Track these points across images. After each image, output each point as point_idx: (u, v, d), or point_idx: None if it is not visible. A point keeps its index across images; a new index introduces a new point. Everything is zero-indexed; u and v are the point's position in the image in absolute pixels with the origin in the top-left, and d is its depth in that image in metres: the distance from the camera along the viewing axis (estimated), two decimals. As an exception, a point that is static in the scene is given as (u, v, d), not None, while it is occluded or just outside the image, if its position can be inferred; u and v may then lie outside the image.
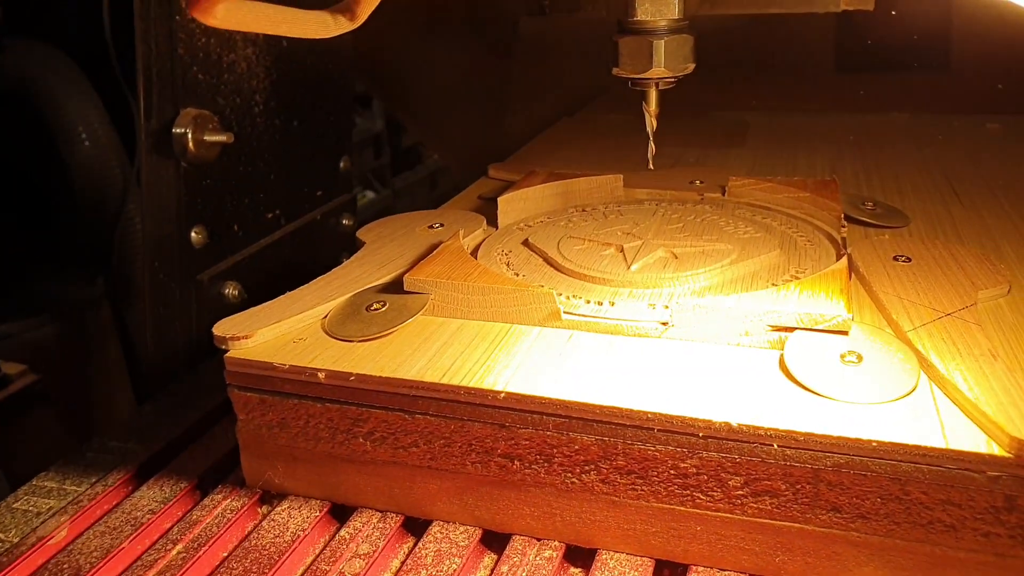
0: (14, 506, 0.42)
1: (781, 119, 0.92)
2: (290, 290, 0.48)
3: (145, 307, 0.59)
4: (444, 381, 0.38)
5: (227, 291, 0.63)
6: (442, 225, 0.57)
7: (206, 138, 0.59)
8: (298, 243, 0.73)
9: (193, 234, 0.60)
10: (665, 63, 0.44)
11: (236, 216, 0.65)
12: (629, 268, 0.47)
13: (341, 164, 0.80)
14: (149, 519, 0.41)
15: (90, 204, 1.20)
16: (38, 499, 0.42)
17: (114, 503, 0.43)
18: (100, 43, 1.10)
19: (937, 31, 1.11)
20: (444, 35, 1.09)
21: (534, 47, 1.13)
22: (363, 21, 0.33)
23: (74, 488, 0.43)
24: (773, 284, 0.45)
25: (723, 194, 0.60)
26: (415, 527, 0.41)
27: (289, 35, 0.32)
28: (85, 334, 1.28)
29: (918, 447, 0.33)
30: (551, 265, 0.50)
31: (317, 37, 0.32)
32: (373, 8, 0.32)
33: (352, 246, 0.80)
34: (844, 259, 0.45)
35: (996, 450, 0.32)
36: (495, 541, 0.40)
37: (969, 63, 1.08)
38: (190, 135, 0.58)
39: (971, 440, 0.33)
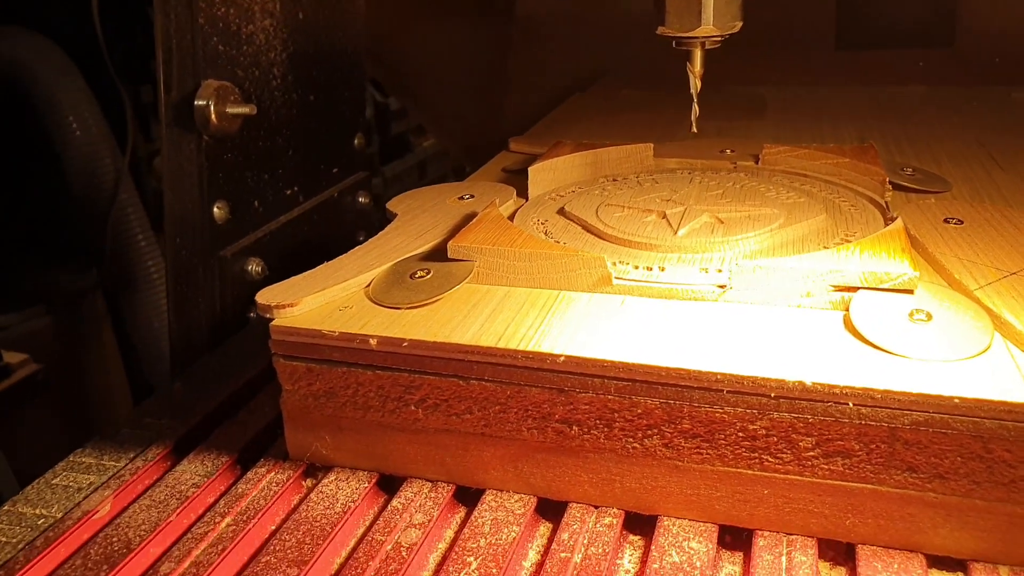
0: (53, 482, 0.41)
1: (797, 92, 0.91)
2: (309, 266, 0.46)
3: (167, 284, 0.58)
4: (500, 346, 0.37)
5: (250, 267, 0.62)
6: (472, 196, 0.55)
7: (228, 110, 0.57)
8: (316, 220, 0.71)
9: (216, 209, 0.59)
10: (714, 20, 0.43)
11: (257, 192, 0.63)
12: (676, 233, 0.46)
13: (356, 141, 0.78)
14: (194, 492, 0.39)
15: (82, 194, 1.18)
16: (77, 475, 0.41)
17: (156, 477, 0.41)
18: (91, 33, 1.08)
19: (941, 4, 1.10)
20: (445, 16, 1.07)
21: (533, 28, 1.12)
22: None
23: (113, 464, 0.42)
24: (825, 247, 0.44)
25: (756, 163, 0.59)
26: (467, 497, 0.40)
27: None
28: (80, 324, 1.27)
29: (1004, 403, 0.32)
30: (591, 232, 0.49)
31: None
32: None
33: (368, 224, 0.79)
34: (900, 220, 0.44)
35: (1085, 403, 0.31)
36: (550, 510, 0.39)
37: (973, 39, 1.07)
38: (212, 107, 0.56)
39: (1057, 394, 0.32)
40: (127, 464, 0.42)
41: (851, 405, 0.33)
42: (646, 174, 0.59)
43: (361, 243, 0.50)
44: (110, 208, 1.18)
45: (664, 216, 0.49)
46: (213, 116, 0.57)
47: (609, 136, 0.71)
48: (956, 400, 0.32)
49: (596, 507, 0.38)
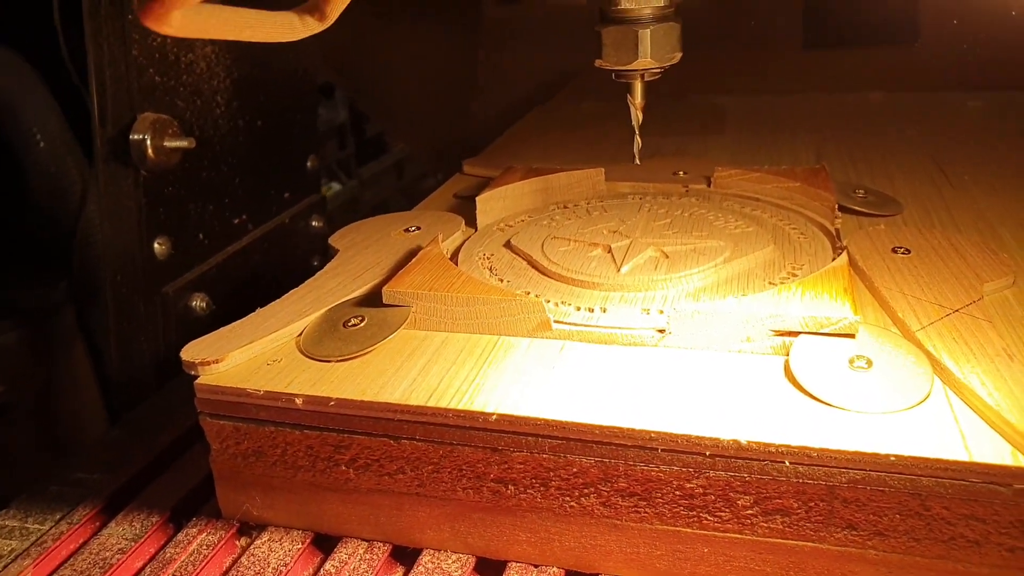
0: (-28, 552, 0.39)
1: (757, 102, 0.90)
2: (260, 299, 0.45)
3: (109, 322, 0.56)
4: (431, 404, 0.36)
5: (194, 303, 0.60)
6: (419, 228, 0.54)
7: (166, 144, 0.56)
8: (267, 248, 0.70)
9: (156, 245, 0.57)
10: (651, 53, 0.42)
11: (201, 224, 0.62)
12: (619, 270, 0.45)
13: (308, 163, 0.77)
14: (119, 559, 0.38)
15: (49, 208, 1.16)
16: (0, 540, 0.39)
17: (80, 542, 0.40)
18: (54, 44, 1.06)
19: (905, 4, 1.10)
20: (409, 23, 1.06)
21: (500, 34, 1.10)
22: (333, 21, 0.30)
23: (37, 527, 0.40)
24: (771, 283, 0.43)
25: (709, 185, 0.58)
26: (404, 557, 0.39)
27: (253, 40, 0.29)
28: (49, 339, 1.24)
29: (939, 460, 0.31)
30: (536, 269, 0.48)
31: (284, 41, 0.30)
32: (343, 7, 0.29)
33: (322, 248, 0.78)
34: (844, 255, 0.43)
35: (1022, 461, 0.30)
36: (489, 569, 0.38)
37: (939, 35, 1.06)
38: (149, 141, 0.55)
39: (995, 451, 0.31)
40: (51, 527, 0.41)
41: (788, 463, 0.32)
42: (597, 200, 0.58)
43: (316, 269, 0.49)
44: (76, 221, 1.16)
45: (609, 250, 0.47)
46: (150, 151, 0.55)
47: (566, 154, 0.70)
48: (892, 458, 0.31)
49: (536, 566, 0.37)
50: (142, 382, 0.57)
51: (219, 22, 0.27)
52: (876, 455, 0.31)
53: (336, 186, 1.87)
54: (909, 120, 0.78)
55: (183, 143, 0.56)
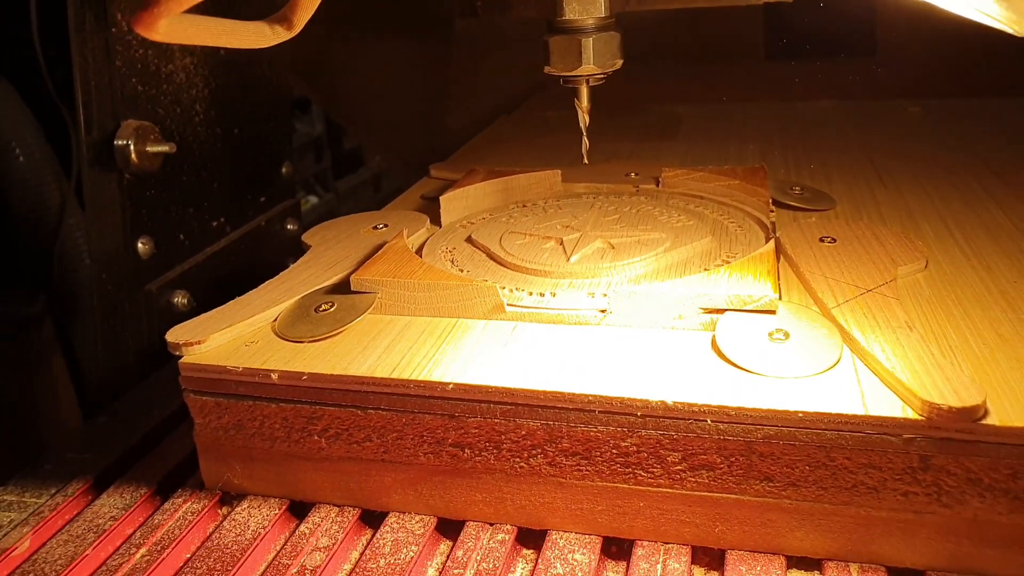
0: (-27, 521, 0.43)
1: (712, 109, 0.95)
2: (238, 296, 0.48)
3: (94, 320, 0.59)
4: (394, 376, 0.40)
5: (176, 300, 0.64)
6: (386, 226, 0.58)
7: (148, 149, 0.59)
8: (244, 249, 0.73)
9: (140, 245, 0.61)
10: (594, 60, 0.46)
11: (182, 225, 0.65)
12: (569, 260, 0.49)
13: (283, 170, 0.80)
14: (111, 525, 0.41)
15: (27, 220, 1.18)
16: (-1, 512, 0.43)
17: (75, 512, 0.43)
18: (30, 57, 1.09)
19: (864, 17, 1.15)
20: (380, 37, 1.09)
21: (470, 47, 1.14)
22: (300, 30, 0.34)
23: (34, 500, 0.44)
24: (705, 269, 0.47)
25: (657, 185, 0.63)
26: (372, 519, 0.42)
27: (228, 46, 0.33)
28: (27, 351, 1.26)
29: (840, 415, 0.35)
30: (494, 260, 0.52)
31: (255, 47, 0.34)
32: (309, 16, 0.33)
33: (297, 250, 0.81)
34: (771, 242, 0.48)
35: (911, 414, 0.34)
36: (450, 528, 0.41)
37: (895, 49, 1.12)
38: (132, 146, 0.58)
39: (888, 406, 0.35)
40: (47, 500, 0.44)
41: (709, 422, 0.36)
42: (553, 199, 0.62)
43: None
44: (56, 233, 1.18)
45: (561, 243, 0.52)
46: (133, 155, 0.59)
47: (529, 159, 0.74)
48: (800, 414, 0.35)
49: (491, 524, 0.41)
50: (126, 374, 0.61)
51: (199, 29, 0.30)
52: (787, 412, 0.35)
53: (313, 199, 1.89)
54: (853, 126, 0.83)
55: (164, 148, 0.60)
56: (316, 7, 0.33)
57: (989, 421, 0.34)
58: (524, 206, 0.61)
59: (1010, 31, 0.30)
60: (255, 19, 0.35)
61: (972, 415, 0.34)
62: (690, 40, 1.16)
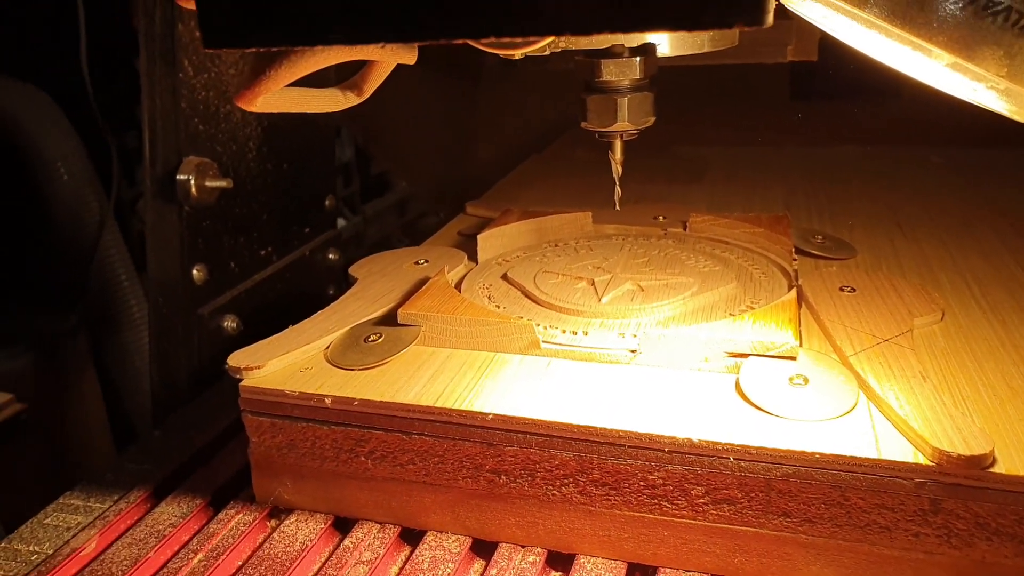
0: (44, 522, 0.46)
1: (738, 153, 0.98)
2: (283, 320, 0.52)
3: (150, 341, 0.63)
4: (438, 405, 0.43)
5: (226, 323, 0.67)
6: (427, 261, 0.61)
7: (207, 184, 0.63)
8: (288, 277, 0.77)
9: (195, 272, 0.64)
10: (629, 118, 0.49)
11: (233, 254, 0.69)
12: (600, 300, 0.52)
13: (327, 202, 0.84)
14: (170, 532, 0.45)
15: (68, 236, 1.23)
16: (67, 515, 0.46)
17: (137, 518, 0.47)
18: (76, 78, 1.14)
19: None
20: (412, 72, 1.14)
21: (501, 84, 1.18)
22: (368, 96, 0.37)
23: (99, 505, 0.47)
24: (731, 314, 0.50)
25: (684, 229, 0.66)
26: (411, 537, 0.45)
27: (309, 111, 0.37)
28: (62, 364, 1.31)
29: (855, 458, 0.38)
30: (529, 298, 0.55)
31: (330, 111, 0.37)
32: (378, 85, 0.37)
33: (337, 278, 0.85)
34: (794, 291, 0.50)
35: (922, 460, 0.37)
36: (483, 549, 0.44)
37: (919, 94, 1.14)
38: (193, 181, 0.62)
39: (900, 451, 0.38)
40: (111, 506, 0.47)
41: (732, 459, 0.39)
42: (584, 240, 0.65)
43: (331, 296, 0.56)
44: (94, 249, 1.23)
45: (592, 283, 0.55)
46: (194, 189, 0.63)
47: (560, 199, 0.78)
48: (817, 456, 0.38)
49: (523, 547, 0.44)
50: (178, 392, 0.64)
51: (285, 100, 0.34)
52: (804, 453, 0.38)
53: (341, 221, 1.93)
54: (875, 173, 0.86)
55: (222, 183, 0.64)
56: (385, 77, 0.37)
57: (997, 469, 0.36)
58: (556, 245, 0.64)
59: (1017, 119, 0.33)
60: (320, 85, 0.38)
61: (980, 463, 0.36)
62: (718, 82, 1.19)
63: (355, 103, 0.38)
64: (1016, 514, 0.36)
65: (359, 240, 1.93)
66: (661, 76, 0.52)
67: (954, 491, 0.37)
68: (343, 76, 0.38)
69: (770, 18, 0.25)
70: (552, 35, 0.32)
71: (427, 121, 1.23)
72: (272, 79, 0.32)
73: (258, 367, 0.46)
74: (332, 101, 0.37)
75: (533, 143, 1.09)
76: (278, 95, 0.33)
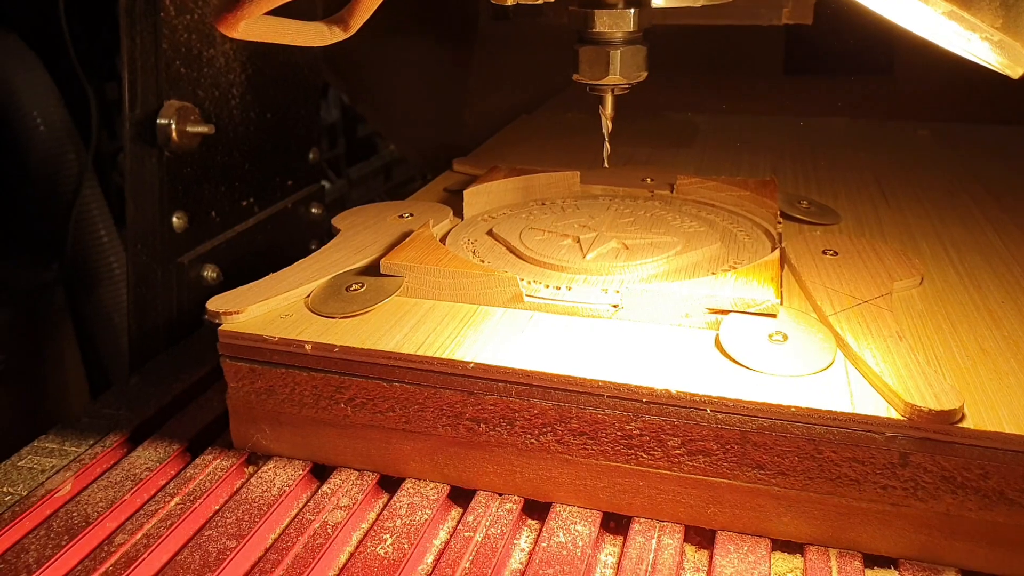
0: (19, 464, 0.46)
1: (728, 121, 0.98)
2: (263, 272, 0.51)
3: (128, 289, 0.62)
4: (419, 353, 0.43)
5: (205, 273, 0.67)
6: (412, 215, 0.61)
7: (188, 129, 0.62)
8: (270, 229, 0.76)
9: (174, 219, 0.64)
10: (621, 71, 0.49)
11: (214, 203, 0.69)
12: (585, 257, 0.52)
13: (310, 155, 0.83)
14: (147, 475, 0.45)
15: (45, 189, 1.21)
16: (41, 458, 0.46)
17: (113, 462, 0.46)
18: (55, 30, 1.12)
19: (882, 37, 1.18)
20: (405, 31, 1.12)
21: (493, 46, 1.17)
22: (355, 31, 0.37)
23: (74, 449, 0.47)
24: (713, 273, 0.50)
25: (672, 191, 0.66)
26: (389, 484, 0.45)
27: (292, 43, 0.36)
28: (39, 318, 1.30)
29: (829, 412, 0.38)
30: (514, 253, 0.55)
31: (315, 45, 0.37)
32: (365, 19, 0.36)
33: (320, 233, 0.85)
34: (777, 252, 0.51)
35: (894, 414, 0.38)
36: (461, 496, 0.44)
37: (910, 70, 1.15)
38: (174, 126, 0.61)
39: (873, 406, 0.38)
40: (87, 449, 0.47)
41: (708, 411, 0.39)
42: (571, 199, 0.65)
43: (313, 251, 0.55)
44: (72, 203, 1.21)
45: (578, 241, 0.55)
46: (174, 134, 0.62)
47: (549, 159, 0.78)
48: (792, 409, 0.38)
49: (500, 494, 0.44)
50: (156, 342, 0.64)
51: (269, 29, 0.33)
52: (780, 406, 0.39)
53: (326, 184, 1.92)
54: (863, 144, 0.86)
55: (204, 129, 0.63)
56: (372, 11, 0.36)
57: (965, 425, 0.37)
58: (543, 204, 0.64)
59: (1007, 74, 0.33)
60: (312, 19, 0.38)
61: (949, 418, 0.37)
62: (712, 52, 1.18)
63: (340, 39, 0.37)
64: (981, 468, 0.37)
65: (343, 203, 1.92)
66: (656, 41, 0.52)
67: (923, 445, 0.37)
68: (331, 11, 0.38)
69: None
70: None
71: (418, 83, 1.22)
72: (255, 2, 0.32)
73: (237, 312, 0.46)
74: (317, 35, 0.36)
75: (525, 106, 1.08)
76: (261, 23, 0.33)
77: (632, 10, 0.47)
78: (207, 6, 0.64)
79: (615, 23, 0.47)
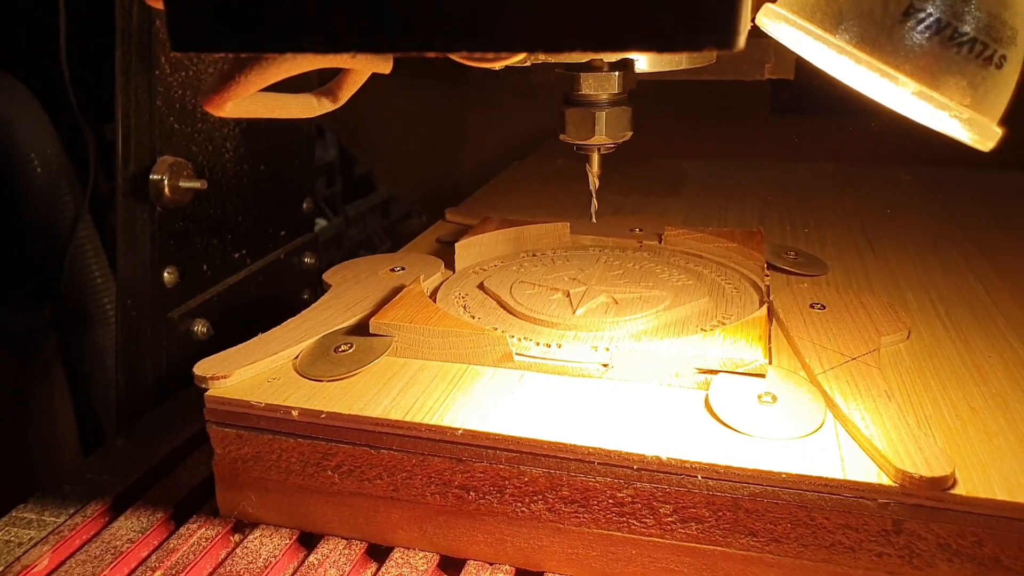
0: (-4, 536, 0.45)
1: (716, 167, 0.98)
2: (255, 326, 0.51)
3: (117, 345, 0.62)
4: (407, 419, 0.42)
5: (196, 328, 0.66)
6: (403, 269, 0.61)
7: (181, 184, 0.62)
8: (263, 281, 0.76)
9: (166, 274, 0.63)
10: (606, 132, 0.49)
11: (206, 256, 0.68)
12: (575, 312, 0.52)
13: (304, 205, 0.84)
14: (128, 548, 0.44)
15: (40, 231, 1.21)
16: (18, 530, 0.45)
17: (93, 533, 0.46)
18: (53, 69, 1.12)
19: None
20: (398, 76, 1.13)
21: (485, 95, 1.18)
22: (343, 103, 0.37)
23: (53, 519, 0.46)
24: (702, 329, 0.50)
25: (660, 242, 0.66)
26: (377, 553, 0.45)
27: (281, 117, 0.36)
28: (30, 362, 1.29)
29: (820, 478, 0.38)
30: (504, 308, 0.54)
31: (304, 117, 0.37)
32: (353, 92, 0.36)
33: (313, 283, 0.84)
34: (764, 308, 0.51)
35: (885, 481, 0.37)
36: (451, 565, 0.44)
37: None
38: (166, 181, 0.61)
39: (865, 472, 0.38)
40: (66, 520, 0.46)
41: (700, 478, 0.39)
42: (562, 250, 0.65)
43: (305, 301, 0.55)
44: (67, 245, 1.21)
45: (568, 295, 0.55)
46: (167, 190, 0.62)
47: (540, 208, 0.78)
48: (784, 475, 0.38)
49: (491, 564, 0.43)
50: (144, 398, 0.63)
51: (256, 105, 0.34)
52: (771, 472, 0.38)
53: (322, 222, 1.92)
54: (848, 190, 0.86)
55: (196, 184, 0.63)
56: (361, 84, 0.36)
57: (957, 491, 0.37)
58: (534, 255, 0.64)
59: (978, 147, 0.33)
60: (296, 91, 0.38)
61: (941, 484, 0.36)
62: (699, 96, 1.19)
63: (329, 110, 0.37)
64: (975, 535, 0.37)
65: (340, 241, 1.92)
66: (641, 88, 0.52)
67: (916, 512, 0.37)
68: (325, 79, 0.38)
69: (742, 42, 0.25)
70: (524, 52, 0.32)
71: (413, 124, 1.22)
72: (242, 84, 0.32)
73: (225, 376, 0.45)
74: (306, 107, 0.36)
75: (519, 147, 1.09)
76: (249, 100, 0.33)
77: (617, 73, 0.47)
78: (201, 63, 0.65)
79: (600, 86, 0.47)
